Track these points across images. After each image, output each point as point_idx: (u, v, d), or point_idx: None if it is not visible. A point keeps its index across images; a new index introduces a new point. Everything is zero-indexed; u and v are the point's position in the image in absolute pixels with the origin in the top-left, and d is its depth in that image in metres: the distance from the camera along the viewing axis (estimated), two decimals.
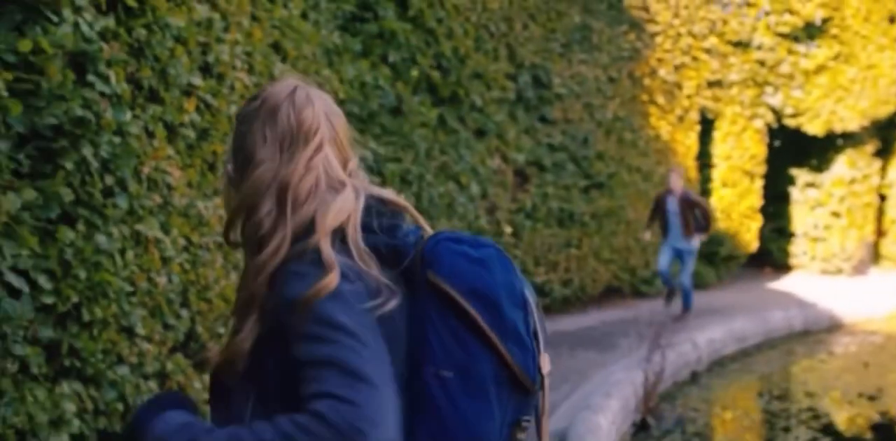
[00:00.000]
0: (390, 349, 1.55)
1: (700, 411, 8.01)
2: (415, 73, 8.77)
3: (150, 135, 4.38)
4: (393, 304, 1.59)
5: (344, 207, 1.64)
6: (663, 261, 11.75)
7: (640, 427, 7.18)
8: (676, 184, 11.57)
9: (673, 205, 11.51)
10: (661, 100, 14.13)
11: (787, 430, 7.49)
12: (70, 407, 3.80)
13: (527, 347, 1.63)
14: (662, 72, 14.15)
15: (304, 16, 6.61)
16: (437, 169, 9.17)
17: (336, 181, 1.69)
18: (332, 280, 1.54)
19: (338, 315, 1.53)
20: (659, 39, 14.08)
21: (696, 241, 11.53)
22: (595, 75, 12.55)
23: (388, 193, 1.76)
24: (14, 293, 3.43)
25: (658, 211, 11.73)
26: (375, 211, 1.69)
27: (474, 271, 1.62)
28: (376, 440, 1.42)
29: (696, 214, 11.43)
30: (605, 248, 12.89)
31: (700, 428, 7.47)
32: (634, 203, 13.48)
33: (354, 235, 1.62)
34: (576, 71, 12.14)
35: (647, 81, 13.86)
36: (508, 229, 10.87)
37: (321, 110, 1.76)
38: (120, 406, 4.19)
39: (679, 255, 11.64)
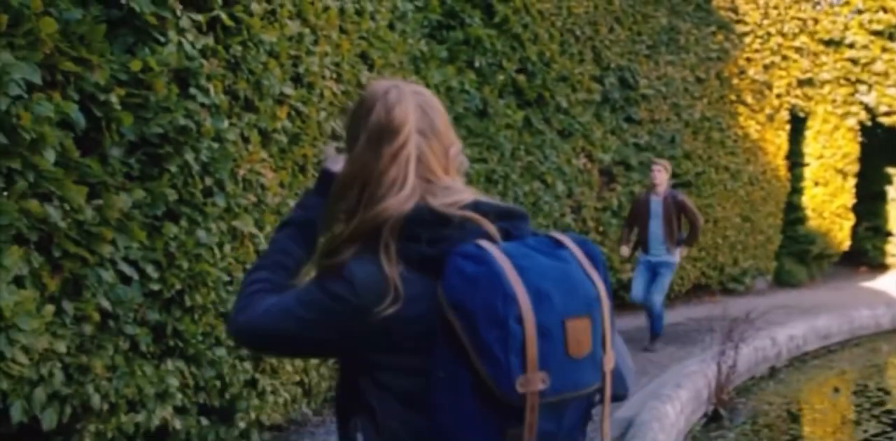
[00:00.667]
0: (394, 344, 1.74)
1: (773, 405, 8.20)
2: (501, 77, 9.14)
3: (246, 140, 4.86)
4: (390, 311, 1.70)
5: (388, 209, 1.75)
6: (639, 285, 9.40)
7: (712, 418, 7.43)
8: (661, 180, 9.28)
9: (656, 207, 9.23)
10: (749, 99, 14.24)
11: (857, 423, 7.67)
12: (174, 382, 4.29)
13: (499, 365, 1.64)
14: (751, 71, 14.26)
15: (391, 26, 7.03)
16: (522, 169, 9.53)
17: (429, 174, 1.80)
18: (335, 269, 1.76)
19: (301, 293, 1.78)
20: (748, 39, 14.20)
21: (678, 255, 9.31)
22: (682, 76, 12.75)
23: (463, 195, 1.81)
24: (126, 280, 3.93)
25: (637, 216, 9.40)
26: (426, 221, 1.74)
27: (462, 288, 1.68)
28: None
29: (683, 221, 9.37)
30: (692, 245, 13.05)
31: (771, 420, 7.67)
32: (722, 202, 13.62)
33: (387, 239, 1.73)
34: (662, 72, 12.36)
35: (735, 81, 13.98)
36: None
37: (414, 105, 1.82)
38: (217, 383, 4.68)
39: (653, 269, 9.32)
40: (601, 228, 11.46)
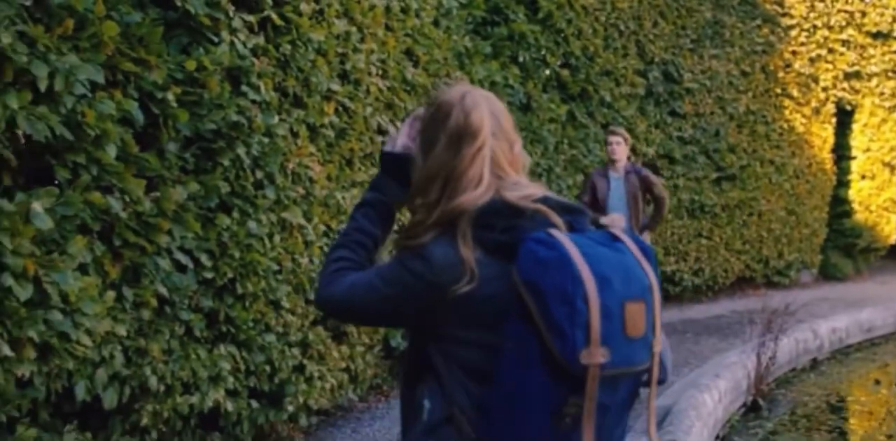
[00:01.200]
0: (466, 319, 1.95)
1: (813, 396, 8.27)
2: (545, 72, 9.28)
3: (295, 135, 5.06)
4: (465, 289, 1.92)
5: (466, 202, 1.95)
6: None
7: (751, 408, 7.54)
8: (620, 154, 8.05)
9: (617, 185, 8.13)
10: (795, 92, 14.23)
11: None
12: (226, 366, 4.50)
13: (566, 338, 1.83)
14: (797, 64, 14.25)
15: (435, 23, 7.20)
16: (565, 162, 9.66)
17: (500, 171, 2.00)
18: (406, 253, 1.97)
19: (383, 268, 2.00)
20: (794, 32, 14.19)
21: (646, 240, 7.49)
22: (727, 69, 12.79)
23: (528, 190, 2.00)
24: (181, 268, 4.15)
25: (592, 197, 8.23)
26: (499, 211, 1.93)
27: (534, 270, 1.88)
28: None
29: (649, 199, 8.36)
30: (736, 238, 13.12)
31: (810, 411, 7.75)
32: (767, 195, 13.65)
33: (464, 228, 1.95)
34: (707, 66, 12.42)
35: (781, 74, 13.99)
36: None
37: (487, 110, 2.01)
38: (267, 368, 4.89)
39: None
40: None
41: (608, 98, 10.48)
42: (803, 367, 9.42)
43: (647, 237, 8.55)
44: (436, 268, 1.91)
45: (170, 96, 3.90)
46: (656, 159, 11.71)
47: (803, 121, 14.44)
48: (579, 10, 9.84)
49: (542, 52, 9.25)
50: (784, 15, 14.03)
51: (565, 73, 9.68)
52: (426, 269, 1.92)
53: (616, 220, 7.94)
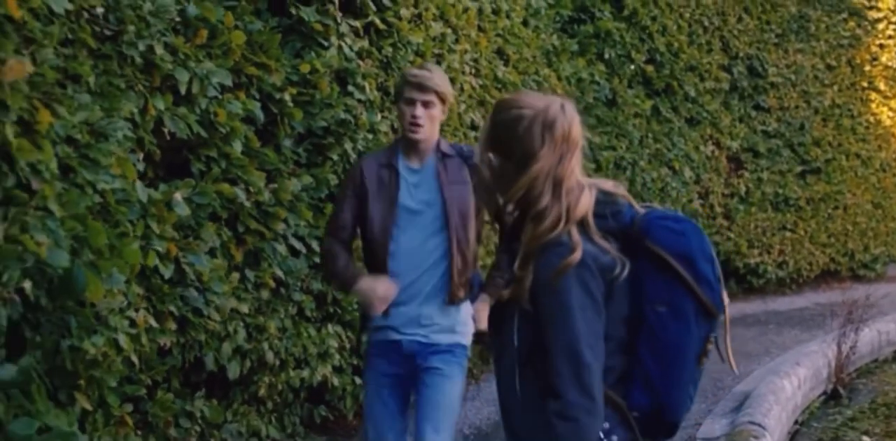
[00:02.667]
0: (617, 299, 2.24)
1: (894, 386, 8.43)
2: (630, 68, 9.53)
3: (396, 131, 5.41)
4: (626, 272, 2.23)
5: (585, 202, 2.22)
6: None
7: (831, 396, 7.73)
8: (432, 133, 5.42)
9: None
10: (882, 86, 14.22)
11: None
12: (333, 344, 4.90)
13: (713, 288, 2.25)
14: (884, 58, 14.23)
15: (524, 23, 7.51)
16: (650, 156, 9.90)
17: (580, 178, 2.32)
18: (576, 258, 2.13)
19: (571, 297, 2.17)
20: (881, 26, 14.17)
21: None
22: (812, 63, 12.87)
23: (607, 184, 2.32)
24: (295, 253, 4.55)
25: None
26: (602, 201, 2.21)
27: (677, 240, 2.25)
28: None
29: None
30: (821, 231, 13.19)
31: (891, 400, 7.89)
32: (853, 188, 13.68)
33: (592, 223, 2.24)
34: (792, 60, 12.51)
35: (867, 68, 13.99)
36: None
37: (579, 123, 2.23)
38: None
39: None
40: (729, 213, 11.73)
41: (692, 93, 10.68)
42: (885, 358, 9.54)
43: None
44: (598, 271, 2.17)
45: (286, 97, 4.30)
46: (741, 153, 11.87)
47: (890, 114, 14.42)
48: (664, 7, 10.07)
49: (628, 49, 9.50)
50: (871, 8, 14.03)
51: (650, 68, 9.91)
52: (594, 280, 2.17)
53: None
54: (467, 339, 3.68)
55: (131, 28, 2.99)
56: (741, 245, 11.77)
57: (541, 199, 2.17)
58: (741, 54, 11.70)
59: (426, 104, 3.55)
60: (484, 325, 3.54)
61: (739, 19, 11.63)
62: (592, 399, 2.11)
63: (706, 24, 10.97)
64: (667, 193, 10.23)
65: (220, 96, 3.77)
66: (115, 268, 2.77)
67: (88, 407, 2.80)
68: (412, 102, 3.53)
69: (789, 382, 6.76)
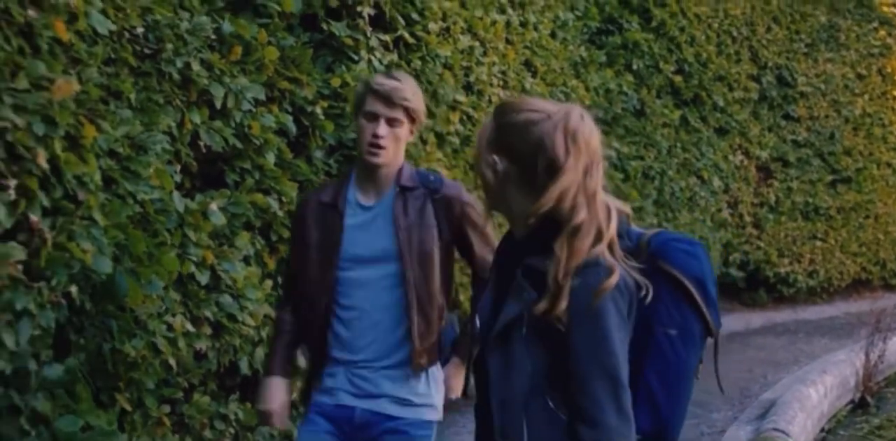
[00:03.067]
0: (630, 321, 2.19)
1: None
2: (658, 78, 9.62)
3: (424, 142, 5.56)
4: (651, 294, 2.17)
5: (615, 220, 2.15)
6: None
7: (859, 404, 7.77)
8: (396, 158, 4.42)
9: None
10: None
11: None
12: None
13: (716, 311, 2.24)
14: None
15: (552, 35, 7.63)
16: (678, 165, 9.98)
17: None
18: (614, 280, 2.03)
19: (609, 320, 2.10)
20: None
21: None
22: (842, 73, 12.89)
23: (615, 201, 2.23)
24: None
25: None
26: (622, 220, 2.14)
27: (692, 262, 2.22)
28: None
29: None
30: (852, 241, 13.17)
31: None
32: (884, 198, 13.66)
33: (617, 244, 2.16)
34: (822, 69, 12.54)
35: None
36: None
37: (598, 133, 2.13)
38: None
39: None
40: (758, 223, 11.77)
41: (721, 103, 10.75)
42: None
43: None
44: (627, 296, 2.10)
45: (318, 110, 4.44)
46: (770, 162, 11.91)
47: None
48: (692, 18, 10.15)
49: (656, 60, 9.59)
50: None
51: (678, 79, 10.00)
52: (625, 303, 2.10)
53: None
54: (435, 414, 3.11)
55: (169, 46, 3.14)
56: (771, 254, 11.80)
57: (576, 214, 2.06)
58: (770, 64, 11.75)
59: (391, 122, 2.95)
60: (458, 393, 3.16)
61: (768, 29, 11.68)
62: (630, 424, 2.04)
63: (735, 34, 11.04)
64: (695, 203, 10.30)
65: (253, 110, 3.91)
66: (154, 274, 2.92)
67: (128, 407, 2.94)
68: (374, 118, 2.94)
69: (815, 391, 6.81)
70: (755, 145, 11.55)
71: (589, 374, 2.04)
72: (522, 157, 2.11)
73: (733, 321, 10.77)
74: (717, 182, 10.74)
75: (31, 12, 2.11)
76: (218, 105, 3.63)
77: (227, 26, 3.76)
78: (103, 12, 2.56)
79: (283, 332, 3.14)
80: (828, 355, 8.66)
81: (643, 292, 2.12)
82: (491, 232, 3.17)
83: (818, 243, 12.65)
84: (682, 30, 9.97)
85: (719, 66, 10.69)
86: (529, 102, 2.18)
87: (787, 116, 12.18)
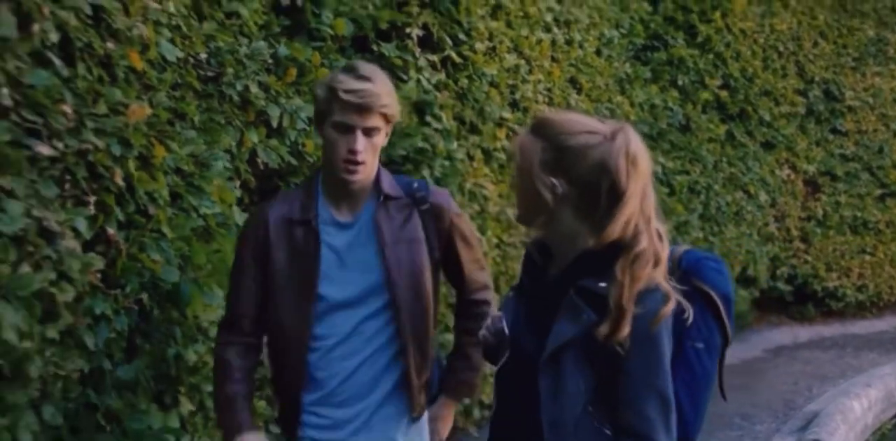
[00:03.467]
0: None
1: None
2: (703, 94, 9.72)
3: (471, 158, 5.74)
4: (691, 316, 2.20)
5: (667, 243, 2.17)
6: None
7: None
8: (373, 169, 3.40)
9: None
10: None
11: None
12: None
13: (733, 322, 2.35)
14: None
15: (597, 52, 7.79)
16: (724, 180, 10.06)
17: None
18: (671, 306, 2.11)
19: (664, 343, 2.13)
20: None
21: None
22: (891, 86, 12.86)
23: (656, 222, 2.20)
24: None
25: None
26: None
27: (722, 280, 2.35)
28: None
29: None
30: None
31: None
32: None
33: (666, 266, 2.17)
34: (869, 83, 12.54)
35: None
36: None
37: None
38: None
39: None
40: (806, 237, 11.79)
41: (767, 117, 10.81)
42: None
43: None
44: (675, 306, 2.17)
45: None
46: (817, 177, 11.94)
47: None
48: (738, 34, 10.25)
49: (701, 75, 9.70)
50: None
51: (724, 94, 10.09)
52: (672, 313, 2.17)
53: None
54: None
55: (230, 70, 3.35)
56: (819, 268, 11.80)
57: (639, 241, 2.10)
58: (817, 78, 11.79)
59: (369, 132, 2.53)
60: (445, 435, 2.88)
61: (815, 44, 11.73)
62: None
63: (781, 49, 11.11)
64: (742, 217, 10.37)
65: (307, 129, 4.12)
66: (215, 284, 3.12)
67: (192, 408, 3.14)
68: (349, 129, 2.50)
69: (859, 403, 6.88)
70: (802, 159, 11.58)
71: (643, 395, 2.11)
72: (584, 180, 2.12)
73: (781, 335, 10.82)
74: (763, 196, 10.79)
75: (110, 44, 2.33)
76: (274, 124, 3.83)
77: (282, 50, 3.97)
78: (171, 41, 2.78)
79: (234, 367, 2.67)
80: (874, 369, 8.69)
81: (685, 315, 2.18)
82: (479, 248, 2.88)
83: (867, 257, 12.61)
84: (727, 45, 10.07)
85: (765, 80, 10.77)
86: (577, 121, 2.18)
87: (834, 130, 12.20)
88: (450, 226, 2.71)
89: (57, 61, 2.09)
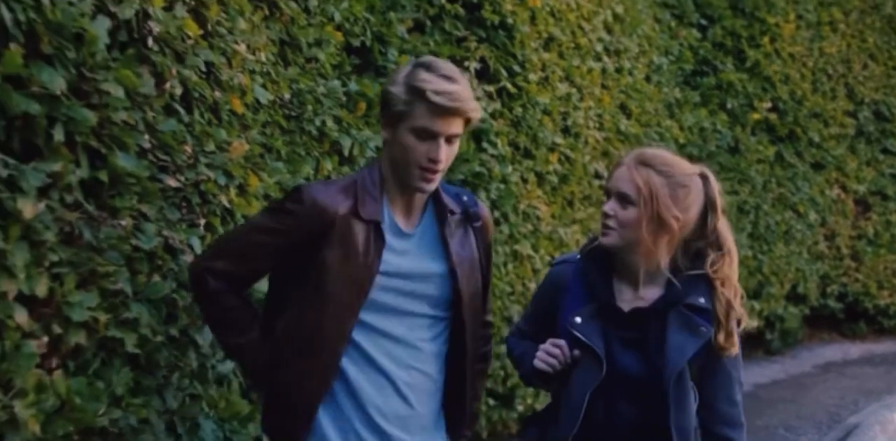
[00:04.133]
0: None
1: None
2: (755, 116, 10.04)
3: (525, 181, 6.14)
4: None
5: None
6: None
7: None
8: None
9: None
10: None
11: None
12: None
13: None
14: None
15: (647, 79, 8.17)
16: (773, 199, 10.35)
17: None
18: None
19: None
20: None
21: None
22: None
23: None
24: None
25: None
26: None
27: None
28: None
29: None
30: None
31: None
32: None
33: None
34: None
35: None
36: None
37: None
38: (501, 373, 5.95)
39: None
40: (856, 255, 11.98)
41: (817, 139, 11.08)
42: None
43: None
44: None
45: None
46: (867, 196, 12.15)
47: None
48: (786, 58, 10.56)
49: (750, 99, 10.03)
50: None
51: (773, 116, 10.40)
52: None
53: None
54: None
55: (309, 108, 3.80)
56: (870, 286, 11.99)
57: (721, 264, 2.56)
58: (867, 100, 12.04)
59: (451, 139, 2.37)
60: None
61: (865, 66, 11.99)
62: None
63: (830, 72, 11.39)
64: (791, 236, 10.62)
65: (375, 155, 4.56)
66: None
67: None
68: (433, 136, 2.33)
69: None
70: (852, 180, 11.81)
71: (736, 387, 2.56)
72: (698, 214, 2.53)
73: (831, 351, 11.05)
74: (813, 215, 11.04)
75: (217, 93, 2.80)
76: (346, 153, 4.28)
77: (353, 86, 4.42)
78: (263, 86, 3.24)
79: (239, 310, 2.49)
80: None
81: None
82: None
83: None
84: (776, 69, 10.39)
85: (814, 103, 11.04)
86: (681, 161, 2.59)
87: (885, 151, 12.41)
88: (490, 243, 2.65)
89: (181, 110, 2.57)
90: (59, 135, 2.05)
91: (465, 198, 2.57)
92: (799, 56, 10.83)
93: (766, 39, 10.24)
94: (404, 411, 2.43)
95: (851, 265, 11.88)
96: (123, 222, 2.26)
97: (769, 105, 10.36)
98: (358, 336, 2.37)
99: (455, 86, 2.31)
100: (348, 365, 2.37)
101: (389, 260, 2.38)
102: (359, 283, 2.33)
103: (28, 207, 1.95)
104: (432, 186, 2.41)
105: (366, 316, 2.37)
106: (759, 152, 10.09)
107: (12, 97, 1.94)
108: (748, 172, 9.85)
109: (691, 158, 2.66)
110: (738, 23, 10.05)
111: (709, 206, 2.54)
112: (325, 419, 2.40)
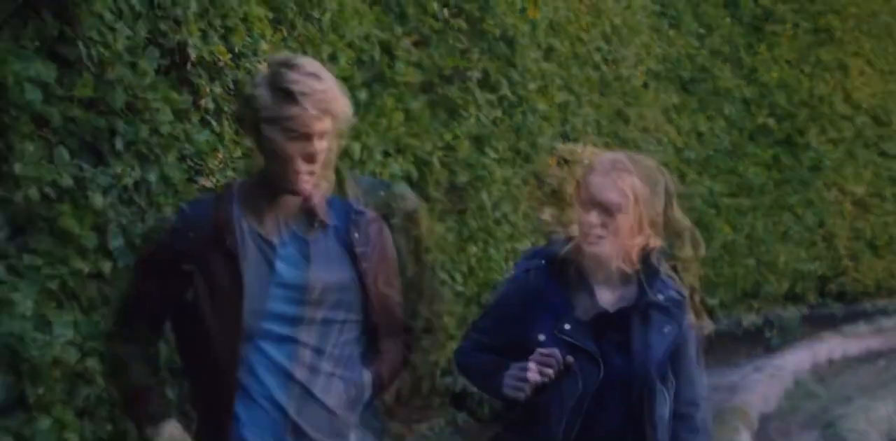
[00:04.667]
0: None
1: None
2: (750, 121, 10.36)
3: (525, 183, 6.51)
4: None
5: None
6: None
7: None
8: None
9: None
10: None
11: None
12: None
13: None
14: None
15: (645, 85, 8.51)
16: (771, 201, 10.66)
17: None
18: None
19: None
20: None
21: None
22: None
23: None
24: (441, 283, 5.65)
25: None
26: None
27: None
28: None
29: None
30: None
31: None
32: None
33: None
34: None
35: None
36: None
37: None
38: None
39: None
40: (854, 256, 12.27)
41: (814, 143, 11.36)
42: None
43: None
44: None
45: (434, 159, 5.45)
46: (865, 198, 12.43)
47: None
48: (783, 65, 10.87)
49: (748, 104, 10.35)
50: None
51: (771, 121, 10.71)
52: None
53: None
54: None
55: None
56: (869, 287, 12.29)
57: (681, 250, 2.74)
58: (864, 105, 12.31)
59: (323, 135, 2.27)
60: None
61: (861, 72, 12.28)
62: None
63: (827, 78, 11.67)
64: (789, 237, 10.92)
65: (382, 160, 4.94)
66: None
67: None
68: (305, 138, 2.24)
69: (884, 405, 7.50)
70: (850, 182, 12.07)
71: (699, 370, 2.66)
72: (671, 215, 2.64)
73: (830, 350, 11.33)
74: (810, 217, 11.31)
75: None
76: (356, 158, 4.65)
77: (362, 96, 4.80)
78: None
79: (134, 359, 2.44)
80: None
81: None
82: None
83: None
84: (773, 76, 10.69)
85: (812, 108, 11.34)
86: (640, 158, 2.68)
87: (883, 154, 12.68)
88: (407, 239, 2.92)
89: (213, 122, 2.99)
90: (119, 144, 2.55)
91: (377, 184, 2.78)
92: (795, 63, 11.10)
93: (762, 47, 10.55)
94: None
95: (849, 264, 12.10)
96: (166, 216, 2.71)
97: (767, 111, 10.61)
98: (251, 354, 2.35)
99: (313, 82, 2.24)
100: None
101: (284, 265, 2.35)
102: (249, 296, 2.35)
103: (98, 202, 2.45)
104: (310, 187, 2.32)
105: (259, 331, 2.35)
106: (757, 156, 10.39)
107: (88, 116, 2.44)
108: (746, 175, 10.15)
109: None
110: (735, 30, 10.35)
111: (669, 195, 2.63)
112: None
